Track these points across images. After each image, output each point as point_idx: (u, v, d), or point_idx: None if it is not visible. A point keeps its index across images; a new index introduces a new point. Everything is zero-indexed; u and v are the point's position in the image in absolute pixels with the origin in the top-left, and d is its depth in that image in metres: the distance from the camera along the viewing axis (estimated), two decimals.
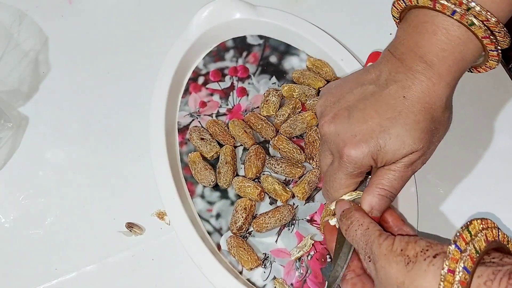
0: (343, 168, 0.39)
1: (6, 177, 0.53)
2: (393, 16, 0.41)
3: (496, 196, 0.52)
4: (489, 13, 0.34)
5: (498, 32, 0.35)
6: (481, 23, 0.34)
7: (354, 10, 0.61)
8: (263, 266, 0.48)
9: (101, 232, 0.50)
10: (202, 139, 0.53)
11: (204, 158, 0.52)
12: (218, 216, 0.50)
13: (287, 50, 0.58)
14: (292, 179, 0.52)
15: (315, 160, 0.51)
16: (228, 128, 0.53)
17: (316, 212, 0.51)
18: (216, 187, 0.51)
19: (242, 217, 0.48)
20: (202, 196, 0.51)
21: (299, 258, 0.48)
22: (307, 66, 0.57)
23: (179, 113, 0.55)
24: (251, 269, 0.47)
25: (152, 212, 0.51)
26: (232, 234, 0.49)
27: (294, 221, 0.50)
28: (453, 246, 0.31)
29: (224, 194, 0.51)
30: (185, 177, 0.52)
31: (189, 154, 0.52)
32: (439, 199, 0.51)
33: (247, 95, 0.56)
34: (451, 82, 0.36)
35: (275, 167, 0.51)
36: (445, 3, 0.34)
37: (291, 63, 0.57)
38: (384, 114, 0.37)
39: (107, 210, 0.51)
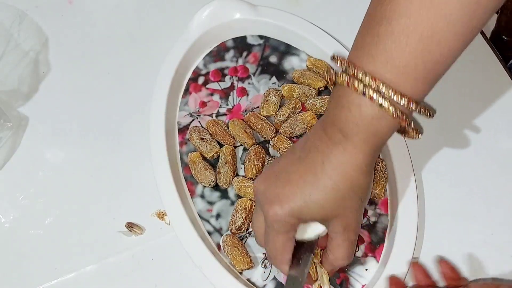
0: (270, 227, 0.40)
1: (6, 177, 0.53)
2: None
3: (496, 196, 0.51)
4: (399, 96, 0.35)
5: (414, 111, 0.36)
6: (390, 105, 0.35)
7: (354, 10, 0.61)
8: (263, 266, 0.48)
9: (101, 232, 0.50)
10: (202, 139, 0.53)
11: (204, 158, 0.52)
12: (218, 216, 0.50)
13: (287, 50, 0.58)
14: None
15: None
16: (228, 128, 0.53)
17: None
18: (216, 187, 0.51)
19: (242, 217, 0.48)
20: (202, 196, 0.51)
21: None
22: (307, 66, 0.57)
23: (179, 113, 0.55)
24: (242, 270, 0.47)
25: (152, 212, 0.51)
26: (229, 233, 0.49)
27: None
28: None
29: (224, 194, 0.51)
30: (185, 177, 0.52)
31: (189, 154, 0.52)
32: (439, 200, 0.51)
33: (247, 95, 0.56)
34: (367, 151, 0.38)
35: None
36: (356, 85, 0.35)
37: (291, 63, 0.57)
38: (306, 178, 0.39)
39: (107, 210, 0.51)
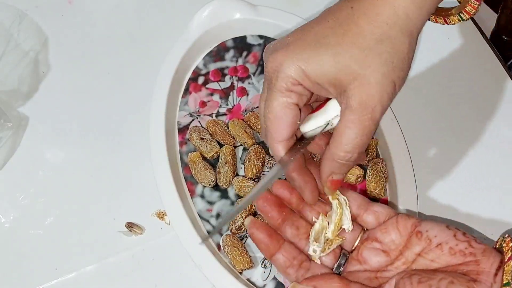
0: (269, 84, 0.32)
1: (6, 177, 0.53)
2: None
3: (496, 196, 0.52)
4: None
5: None
6: None
7: None
8: (263, 266, 0.48)
9: (101, 232, 0.50)
10: (202, 139, 0.53)
11: (204, 158, 0.52)
12: (218, 216, 0.50)
13: None
14: None
15: (315, 160, 0.51)
16: (228, 128, 0.53)
17: None
18: (216, 187, 0.51)
19: (242, 217, 0.48)
20: (202, 196, 0.51)
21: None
22: None
23: (179, 113, 0.55)
24: (242, 270, 0.47)
25: (152, 212, 0.51)
26: (230, 233, 0.49)
27: None
28: None
29: (224, 194, 0.51)
30: (185, 177, 0.52)
31: (189, 154, 0.52)
32: (439, 198, 0.51)
33: (247, 95, 0.56)
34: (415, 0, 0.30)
35: None
36: None
37: None
38: (324, 23, 0.31)
39: (107, 210, 0.51)
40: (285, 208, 0.41)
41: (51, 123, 0.56)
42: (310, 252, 0.40)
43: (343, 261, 0.40)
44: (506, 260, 0.33)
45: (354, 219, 0.40)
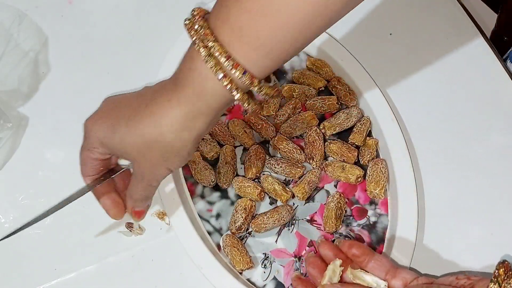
0: (83, 141, 0.41)
1: (6, 177, 0.53)
2: None
3: (496, 196, 0.52)
4: (239, 68, 0.33)
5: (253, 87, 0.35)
6: (221, 70, 0.33)
7: (354, 10, 0.61)
8: (263, 266, 0.48)
9: (101, 232, 0.50)
10: (202, 139, 0.53)
11: (204, 158, 0.52)
12: (218, 216, 0.50)
13: None
14: (292, 179, 0.52)
15: (315, 160, 0.51)
16: (228, 128, 0.53)
17: (316, 212, 0.51)
18: (216, 187, 0.51)
19: (242, 217, 0.48)
20: (202, 196, 0.51)
21: (299, 258, 0.48)
22: (307, 66, 0.57)
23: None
24: (241, 270, 0.47)
25: (152, 212, 0.51)
26: (230, 233, 0.49)
27: (294, 221, 0.50)
28: None
29: (224, 194, 0.51)
30: (185, 177, 0.52)
31: None
32: (439, 200, 0.51)
33: None
34: (189, 114, 0.36)
35: (275, 167, 0.51)
36: (199, 45, 0.34)
37: (291, 63, 0.57)
38: (127, 111, 0.38)
39: None
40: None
41: (51, 123, 0.56)
42: None
43: None
44: (493, 277, 0.38)
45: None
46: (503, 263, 0.38)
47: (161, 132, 0.36)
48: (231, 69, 0.33)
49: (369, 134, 0.54)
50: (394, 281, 0.43)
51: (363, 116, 0.54)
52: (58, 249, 0.50)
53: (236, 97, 0.35)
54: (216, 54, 0.33)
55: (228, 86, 0.34)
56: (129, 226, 0.50)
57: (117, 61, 0.59)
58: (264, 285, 0.47)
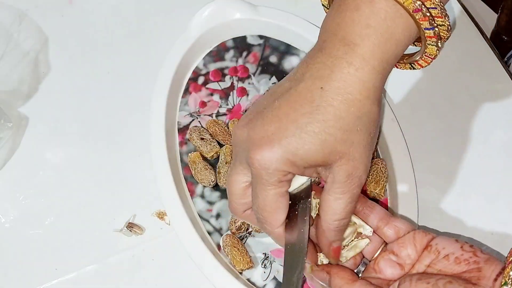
0: (257, 179, 0.32)
1: (6, 177, 0.53)
2: (322, 5, 0.35)
3: (496, 196, 0.52)
4: None
5: (433, 8, 0.30)
6: None
7: None
8: (263, 266, 0.48)
9: (101, 232, 0.50)
10: (202, 139, 0.53)
11: (204, 158, 0.52)
12: (218, 216, 0.50)
13: (287, 50, 0.58)
14: None
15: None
16: (228, 128, 0.53)
17: None
18: (216, 187, 0.51)
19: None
20: (202, 196, 0.51)
21: None
22: None
23: (179, 113, 0.55)
24: (242, 270, 0.47)
25: (152, 212, 0.51)
26: (230, 233, 0.49)
27: None
28: None
29: (224, 194, 0.51)
30: (185, 177, 0.52)
31: (189, 154, 0.52)
32: (439, 198, 0.51)
33: (247, 95, 0.56)
34: (378, 67, 0.31)
35: None
36: None
37: (291, 63, 0.57)
38: (300, 109, 0.31)
39: (107, 210, 0.51)
40: None
41: (51, 123, 0.56)
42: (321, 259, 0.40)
43: (363, 269, 0.41)
44: (507, 263, 0.34)
45: (374, 231, 0.42)
46: None
47: (361, 103, 0.30)
48: None
49: None
50: (386, 228, 0.40)
51: None
52: (58, 249, 0.50)
53: (431, 30, 0.30)
54: None
55: (426, 14, 0.29)
56: (129, 226, 0.50)
57: (117, 61, 0.59)
58: (264, 285, 0.47)
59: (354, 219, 0.41)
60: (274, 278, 0.48)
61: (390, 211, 0.50)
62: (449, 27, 0.32)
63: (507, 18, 0.75)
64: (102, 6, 0.62)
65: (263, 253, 0.49)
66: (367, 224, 0.41)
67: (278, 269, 0.48)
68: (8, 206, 0.52)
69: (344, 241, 0.40)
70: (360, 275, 0.41)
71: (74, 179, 0.53)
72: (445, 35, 0.32)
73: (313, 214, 0.38)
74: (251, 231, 0.49)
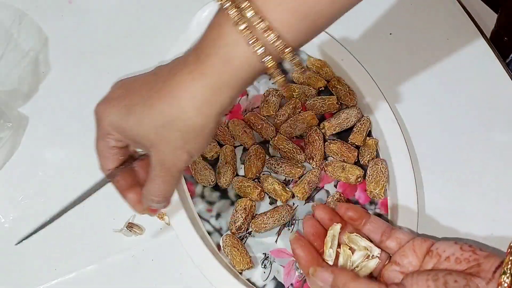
0: (96, 128, 0.38)
1: (6, 177, 0.53)
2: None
3: (496, 196, 0.51)
4: (275, 36, 0.31)
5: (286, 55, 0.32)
6: (255, 37, 0.31)
7: (354, 10, 0.61)
8: (263, 266, 0.48)
9: (101, 232, 0.50)
10: None
11: (204, 158, 0.52)
12: (218, 216, 0.50)
13: None
14: (292, 179, 0.52)
15: (315, 160, 0.51)
16: (228, 128, 0.53)
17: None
18: (216, 187, 0.51)
19: (242, 217, 0.48)
20: (202, 196, 0.51)
21: None
22: (307, 66, 0.57)
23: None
24: (241, 270, 0.47)
25: None
26: (230, 233, 0.49)
27: (294, 221, 0.50)
28: None
29: (224, 194, 0.51)
30: (185, 177, 0.52)
31: None
32: (439, 200, 0.51)
33: (247, 95, 0.56)
34: (213, 86, 0.33)
35: (275, 167, 0.51)
36: (230, 8, 0.32)
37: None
38: (140, 90, 0.35)
39: (107, 210, 0.51)
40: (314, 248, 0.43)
41: (51, 123, 0.56)
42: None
43: None
44: (506, 254, 0.36)
45: (377, 245, 0.43)
46: None
47: (182, 108, 0.33)
48: (264, 31, 0.31)
49: (369, 134, 0.54)
50: (389, 242, 0.42)
51: (363, 116, 0.54)
52: (58, 249, 0.50)
53: (267, 65, 0.32)
54: (249, 14, 0.31)
55: (260, 51, 0.31)
56: (129, 226, 0.50)
57: (117, 61, 0.59)
58: (264, 285, 0.47)
59: (363, 243, 0.42)
60: (274, 278, 0.48)
61: (390, 211, 0.50)
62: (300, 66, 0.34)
63: (507, 18, 0.75)
64: (102, 6, 0.63)
65: (263, 253, 0.49)
66: (374, 246, 0.42)
67: (278, 269, 0.48)
68: (8, 206, 0.52)
69: (354, 264, 0.42)
70: None
71: (74, 179, 0.53)
72: (286, 57, 0.33)
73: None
74: (251, 231, 0.49)
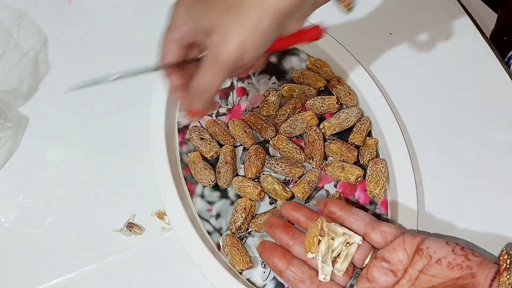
0: (167, 24, 0.39)
1: (6, 177, 0.53)
2: None
3: (496, 196, 0.51)
4: None
5: None
6: None
7: (354, 10, 0.61)
8: (263, 266, 0.48)
9: (101, 232, 0.50)
10: (202, 139, 0.53)
11: (204, 158, 0.52)
12: (218, 216, 0.50)
13: (287, 50, 0.58)
14: (292, 179, 0.52)
15: (315, 160, 0.51)
16: (228, 128, 0.53)
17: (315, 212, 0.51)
18: (216, 187, 0.51)
19: (242, 217, 0.48)
20: (202, 196, 0.51)
21: None
22: (307, 66, 0.57)
23: (179, 113, 0.55)
24: (241, 270, 0.47)
25: (152, 212, 0.51)
26: (229, 233, 0.49)
27: None
28: None
29: (224, 194, 0.51)
30: (185, 177, 0.52)
31: (189, 154, 0.52)
32: (439, 200, 0.51)
33: (247, 95, 0.56)
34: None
35: (275, 167, 0.51)
36: None
37: (291, 63, 0.57)
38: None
39: (107, 210, 0.51)
40: (292, 228, 0.44)
41: (51, 123, 0.56)
42: (320, 278, 0.41)
43: (355, 282, 0.41)
44: (501, 271, 0.36)
45: (362, 237, 0.42)
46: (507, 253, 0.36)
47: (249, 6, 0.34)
48: None
49: (369, 134, 0.54)
50: (373, 234, 0.41)
51: (363, 116, 0.54)
52: (58, 249, 0.50)
53: None
54: None
55: None
56: (129, 226, 0.50)
57: (117, 61, 0.59)
58: (264, 285, 0.47)
59: (343, 230, 0.42)
60: (274, 278, 0.48)
61: (390, 211, 0.50)
62: None
63: (507, 18, 0.75)
64: (102, 6, 0.63)
65: None
66: (356, 233, 0.42)
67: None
68: (8, 206, 0.52)
69: (334, 253, 0.42)
70: None
71: (73, 179, 0.53)
72: None
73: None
74: (251, 231, 0.49)
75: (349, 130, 0.53)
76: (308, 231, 0.42)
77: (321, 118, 0.54)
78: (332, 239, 0.42)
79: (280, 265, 0.42)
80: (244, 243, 0.49)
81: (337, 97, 0.54)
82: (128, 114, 0.56)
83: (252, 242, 0.49)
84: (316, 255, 0.41)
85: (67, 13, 0.62)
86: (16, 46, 0.58)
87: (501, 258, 0.37)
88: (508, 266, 0.36)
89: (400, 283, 0.39)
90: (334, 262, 0.42)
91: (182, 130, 0.54)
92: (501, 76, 0.57)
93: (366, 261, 0.42)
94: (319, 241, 0.42)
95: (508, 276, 0.35)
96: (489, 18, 0.79)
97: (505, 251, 0.37)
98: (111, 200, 0.52)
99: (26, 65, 0.58)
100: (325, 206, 0.44)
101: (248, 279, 0.47)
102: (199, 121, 0.55)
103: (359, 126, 0.53)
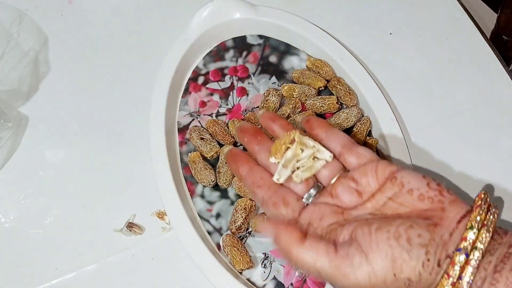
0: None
1: (6, 177, 0.53)
2: None
3: (496, 196, 0.51)
4: None
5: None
6: None
7: (354, 10, 0.61)
8: (263, 266, 0.48)
9: (101, 232, 0.50)
10: (202, 138, 0.53)
11: (204, 158, 0.52)
12: (218, 216, 0.50)
13: (287, 50, 0.58)
14: None
15: None
16: (228, 127, 0.53)
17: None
18: (216, 186, 0.51)
19: (242, 217, 0.48)
20: (202, 196, 0.51)
21: None
22: (307, 66, 0.57)
23: (179, 113, 0.55)
24: (241, 270, 0.47)
25: (152, 212, 0.51)
26: (229, 233, 0.49)
27: None
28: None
29: (224, 194, 0.51)
30: (185, 177, 0.52)
31: (189, 153, 0.52)
32: None
33: (247, 95, 0.56)
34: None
35: None
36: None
37: (291, 63, 0.57)
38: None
39: (107, 210, 0.51)
40: (261, 135, 0.43)
41: (51, 123, 0.56)
42: (274, 178, 0.39)
43: (315, 192, 0.40)
44: (474, 207, 0.34)
45: (336, 158, 0.40)
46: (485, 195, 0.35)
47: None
48: None
49: (369, 134, 0.54)
50: (348, 155, 0.40)
51: (363, 116, 0.54)
52: (58, 249, 0.50)
53: None
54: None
55: None
56: (129, 226, 0.50)
57: (117, 61, 0.59)
58: (264, 285, 0.47)
59: (313, 143, 0.40)
60: (274, 278, 0.48)
61: None
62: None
63: (507, 18, 0.75)
64: (102, 6, 0.63)
65: (263, 253, 0.49)
66: (328, 150, 0.40)
67: (278, 269, 0.48)
68: (8, 206, 0.52)
69: (299, 163, 0.40)
70: (311, 199, 0.39)
71: (74, 179, 0.53)
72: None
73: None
74: (251, 231, 0.49)
75: (349, 130, 0.53)
76: (279, 139, 0.41)
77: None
78: (302, 150, 0.40)
79: (242, 170, 0.41)
80: (244, 243, 0.49)
81: (337, 97, 0.54)
82: (128, 114, 0.56)
83: (252, 242, 0.49)
84: (279, 162, 0.40)
85: (67, 13, 0.62)
86: (16, 46, 0.59)
87: (476, 198, 0.35)
88: (482, 203, 0.34)
89: (364, 205, 0.37)
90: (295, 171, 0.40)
91: (182, 130, 0.54)
92: (501, 76, 0.57)
93: (334, 180, 0.40)
94: (287, 148, 0.40)
95: (480, 212, 0.34)
96: (489, 18, 0.79)
97: (483, 192, 0.36)
98: (111, 200, 0.52)
99: (26, 65, 0.58)
100: (307, 122, 0.42)
101: (248, 279, 0.48)
102: (199, 121, 0.55)
103: (359, 126, 0.53)
